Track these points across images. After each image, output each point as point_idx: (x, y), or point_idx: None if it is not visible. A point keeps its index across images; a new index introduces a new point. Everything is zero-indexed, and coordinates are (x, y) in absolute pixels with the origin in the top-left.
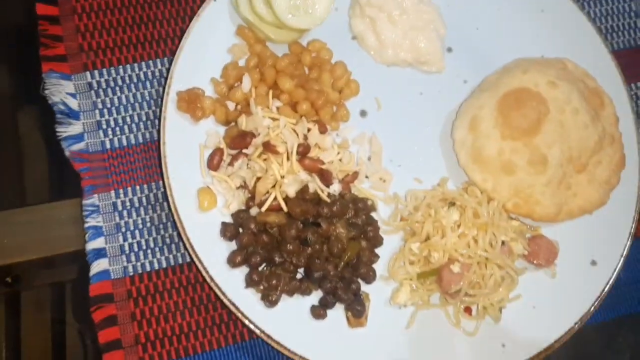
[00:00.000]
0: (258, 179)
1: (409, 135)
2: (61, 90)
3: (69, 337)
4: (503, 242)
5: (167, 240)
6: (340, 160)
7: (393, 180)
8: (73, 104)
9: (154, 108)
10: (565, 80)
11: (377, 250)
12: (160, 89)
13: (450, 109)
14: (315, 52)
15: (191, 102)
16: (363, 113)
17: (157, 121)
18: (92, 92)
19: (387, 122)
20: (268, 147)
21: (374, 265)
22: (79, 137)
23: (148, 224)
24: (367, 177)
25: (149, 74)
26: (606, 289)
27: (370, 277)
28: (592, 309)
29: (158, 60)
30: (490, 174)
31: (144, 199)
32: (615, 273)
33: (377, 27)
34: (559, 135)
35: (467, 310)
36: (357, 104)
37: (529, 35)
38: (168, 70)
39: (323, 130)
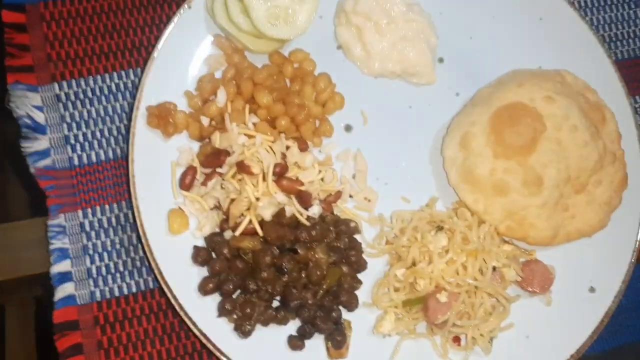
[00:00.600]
0: (232, 200)
1: (397, 151)
2: (27, 103)
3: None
4: (494, 268)
5: (137, 263)
6: (322, 179)
7: (379, 200)
8: (39, 117)
9: (125, 122)
10: (564, 95)
11: (360, 276)
12: (133, 102)
13: (441, 124)
14: (298, 63)
15: (162, 117)
16: (348, 128)
17: (128, 136)
18: (60, 104)
19: (374, 138)
20: (242, 167)
21: (357, 292)
22: (45, 153)
23: (117, 246)
24: (351, 196)
25: (121, 85)
26: (605, 318)
27: (352, 305)
28: (590, 339)
29: (130, 71)
30: (481, 195)
31: (113, 219)
32: (616, 300)
33: (364, 36)
34: (556, 154)
35: (456, 340)
36: (341, 118)
37: (526, 45)
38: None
39: (303, 148)
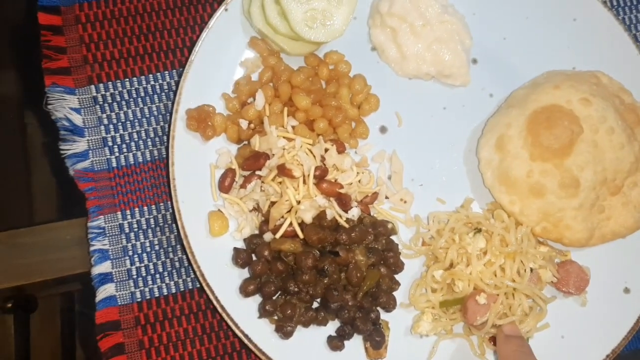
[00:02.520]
0: (272, 203)
1: (432, 152)
2: (65, 105)
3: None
4: (531, 270)
5: (177, 264)
6: (359, 181)
7: (414, 201)
8: (77, 119)
9: (162, 124)
10: (600, 97)
11: (398, 277)
12: (169, 104)
13: (475, 125)
14: (333, 65)
15: (201, 120)
16: (383, 129)
17: (165, 138)
18: (97, 106)
19: (408, 139)
20: (283, 170)
21: (394, 293)
22: (83, 155)
23: (156, 247)
24: (387, 197)
25: (157, 87)
26: None
27: (390, 306)
28: (625, 339)
29: (166, 73)
30: (518, 197)
31: (152, 221)
32: None
33: (399, 38)
34: (593, 156)
35: (492, 340)
36: (376, 120)
37: (560, 46)
38: (177, 83)
39: (341, 150)
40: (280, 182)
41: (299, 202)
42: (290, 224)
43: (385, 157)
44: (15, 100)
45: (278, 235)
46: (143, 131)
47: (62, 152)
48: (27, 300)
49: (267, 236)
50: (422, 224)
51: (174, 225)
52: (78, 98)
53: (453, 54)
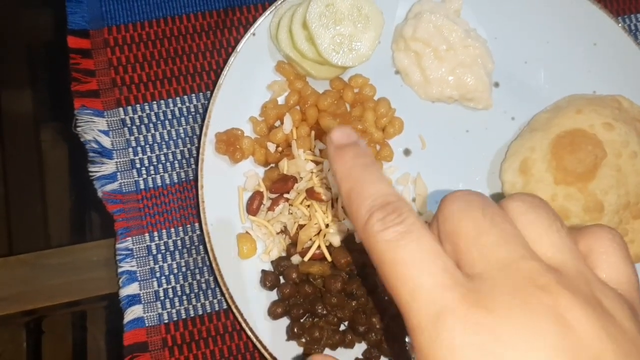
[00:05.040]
0: (300, 226)
1: (455, 175)
2: (94, 128)
3: None
4: None
5: (203, 286)
6: None
7: None
8: (106, 142)
9: (189, 146)
10: (622, 121)
11: None
12: (196, 126)
13: (498, 148)
14: (358, 88)
15: (230, 143)
16: (407, 152)
17: (192, 160)
18: (126, 129)
19: (432, 162)
20: (312, 194)
21: None
22: (112, 177)
23: (183, 269)
24: None
25: (184, 110)
26: None
27: None
28: None
29: (193, 96)
30: None
31: (179, 242)
32: None
33: (423, 62)
34: (616, 180)
35: None
36: (400, 143)
37: (580, 70)
38: (203, 106)
39: None
40: (308, 206)
41: (327, 225)
42: (319, 246)
43: (409, 180)
44: (31, 119)
45: (306, 259)
46: (170, 153)
47: (91, 174)
48: (40, 318)
49: (295, 259)
50: None
51: (200, 246)
52: (107, 120)
53: (476, 78)
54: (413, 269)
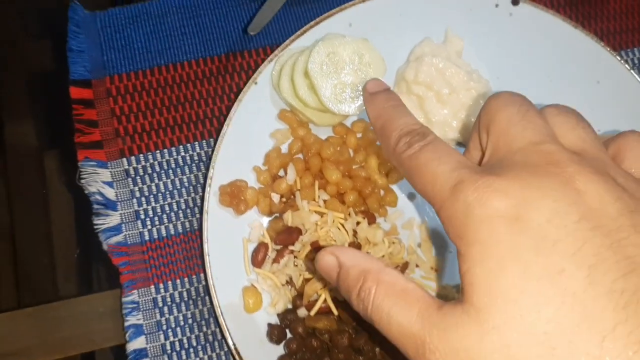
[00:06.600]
0: (306, 280)
1: None
2: (97, 179)
3: None
4: None
5: (210, 338)
6: (390, 253)
7: (445, 269)
8: (110, 193)
9: (193, 195)
10: None
11: None
12: (200, 174)
13: None
14: (361, 133)
15: (234, 195)
16: (411, 196)
17: (196, 209)
18: (129, 179)
19: None
20: (317, 248)
21: None
22: (117, 229)
23: (190, 321)
24: (417, 266)
25: (187, 158)
26: None
27: None
28: None
29: (196, 144)
30: None
31: (184, 294)
32: None
33: (425, 105)
34: None
35: None
36: (404, 187)
37: (584, 108)
38: (207, 153)
39: (372, 222)
40: (313, 259)
41: None
42: (325, 300)
43: (414, 225)
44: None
45: (312, 313)
46: (175, 203)
47: (95, 227)
48: None
49: (302, 312)
50: (453, 293)
51: (206, 297)
52: (110, 171)
53: None
54: (431, 164)
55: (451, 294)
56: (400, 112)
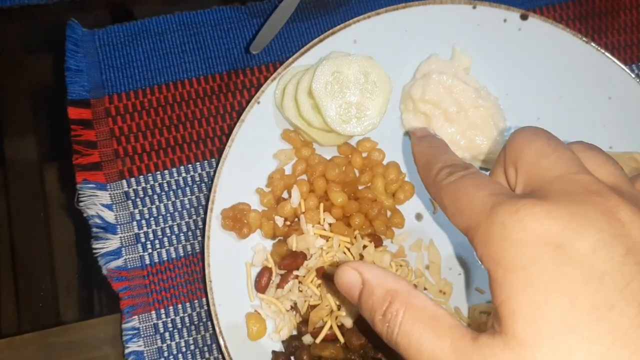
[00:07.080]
0: (311, 306)
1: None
2: (96, 202)
3: None
4: None
5: None
6: None
7: (453, 291)
8: (109, 216)
9: (194, 217)
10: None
11: None
12: (201, 196)
13: None
14: (366, 152)
15: (237, 219)
16: (418, 216)
17: (198, 232)
18: (129, 202)
19: (445, 226)
20: (323, 275)
21: None
22: (116, 253)
23: (192, 347)
24: (425, 289)
25: (189, 179)
26: None
27: None
28: None
29: (198, 164)
30: None
31: (186, 319)
32: None
33: (433, 124)
34: None
35: None
36: (411, 207)
37: (595, 125)
38: (208, 174)
39: (379, 244)
40: (319, 285)
41: (339, 307)
42: (330, 327)
43: (422, 247)
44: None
45: (318, 341)
46: (176, 225)
47: (95, 251)
48: None
49: (307, 339)
50: (463, 317)
51: (209, 323)
52: (110, 194)
53: (488, 139)
54: (470, 189)
55: (462, 319)
56: (445, 150)
